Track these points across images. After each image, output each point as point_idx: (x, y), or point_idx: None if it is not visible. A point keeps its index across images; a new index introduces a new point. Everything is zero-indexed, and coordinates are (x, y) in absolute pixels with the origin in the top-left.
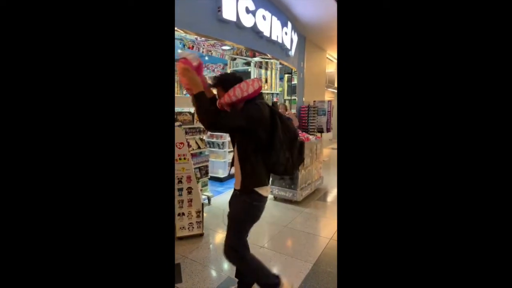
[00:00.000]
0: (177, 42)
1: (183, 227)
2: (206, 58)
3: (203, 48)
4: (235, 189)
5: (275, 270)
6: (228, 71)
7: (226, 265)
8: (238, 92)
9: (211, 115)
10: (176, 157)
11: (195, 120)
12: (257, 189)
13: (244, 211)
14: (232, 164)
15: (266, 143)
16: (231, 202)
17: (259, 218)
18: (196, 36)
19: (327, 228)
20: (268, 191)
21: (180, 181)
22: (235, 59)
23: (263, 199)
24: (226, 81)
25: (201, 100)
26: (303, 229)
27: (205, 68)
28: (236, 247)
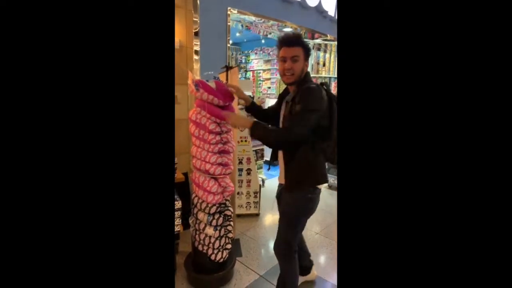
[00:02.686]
0: (237, 25)
1: (241, 206)
2: (263, 41)
3: (260, 30)
4: (281, 184)
5: (323, 257)
6: None
7: None
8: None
9: (280, 134)
10: (238, 139)
11: None
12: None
13: (297, 206)
14: (275, 156)
15: (324, 131)
16: (281, 197)
17: (315, 210)
18: (255, 18)
19: None
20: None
21: (240, 162)
22: None
23: (318, 190)
24: (304, 43)
25: (259, 129)
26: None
27: (261, 52)
28: (291, 242)
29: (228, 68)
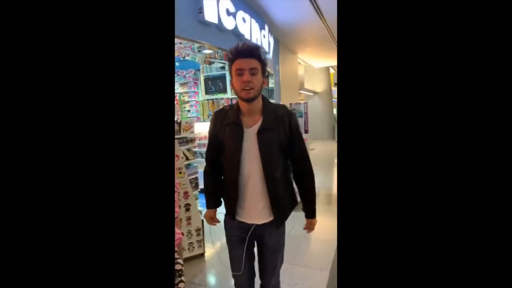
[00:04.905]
0: None
1: (183, 248)
2: (177, 63)
3: (176, 51)
4: (261, 224)
5: (292, 283)
6: (201, 76)
7: None
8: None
9: (311, 173)
10: None
11: (181, 130)
12: None
13: (284, 236)
14: (231, 191)
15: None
16: (263, 237)
17: None
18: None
19: (330, 230)
20: None
21: None
22: (212, 63)
23: None
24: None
25: (314, 200)
26: (308, 235)
27: (176, 75)
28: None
29: None
